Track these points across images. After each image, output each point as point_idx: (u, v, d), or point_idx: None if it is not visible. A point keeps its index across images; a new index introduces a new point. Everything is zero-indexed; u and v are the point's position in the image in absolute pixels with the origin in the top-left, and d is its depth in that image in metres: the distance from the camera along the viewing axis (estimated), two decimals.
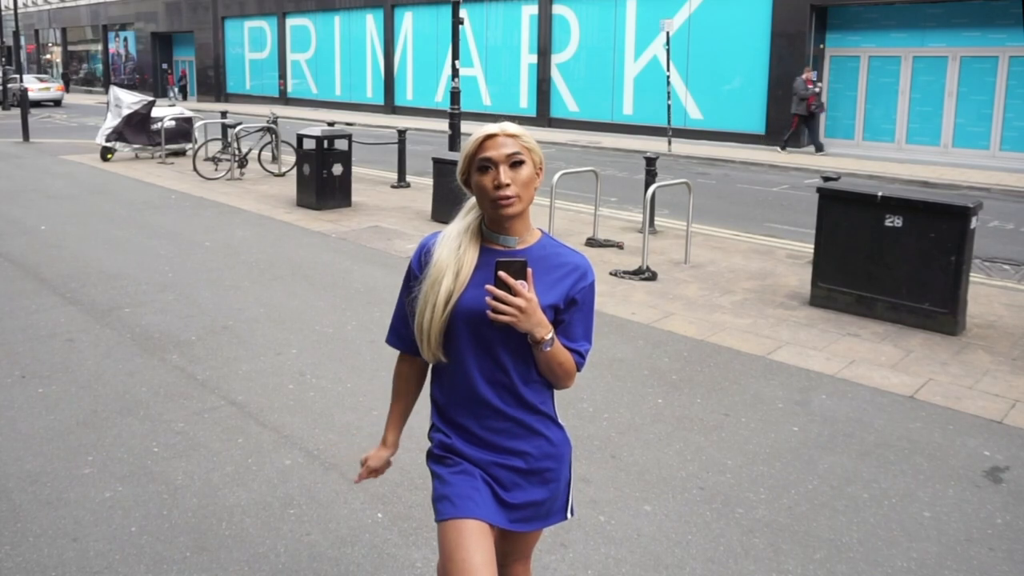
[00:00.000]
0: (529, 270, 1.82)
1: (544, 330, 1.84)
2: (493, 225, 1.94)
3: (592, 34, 22.84)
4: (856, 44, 18.68)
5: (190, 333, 5.61)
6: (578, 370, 1.99)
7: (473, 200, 1.98)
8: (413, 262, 2.01)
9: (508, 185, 1.85)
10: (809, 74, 17.51)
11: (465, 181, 1.96)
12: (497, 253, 1.92)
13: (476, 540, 1.87)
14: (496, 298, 1.79)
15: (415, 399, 2.17)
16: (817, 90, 17.50)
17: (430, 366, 2.07)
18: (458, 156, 1.93)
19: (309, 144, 10.89)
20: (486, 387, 1.95)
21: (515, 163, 1.87)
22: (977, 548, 3.22)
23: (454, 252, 1.92)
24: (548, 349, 1.87)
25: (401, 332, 2.07)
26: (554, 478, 2.03)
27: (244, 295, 6.54)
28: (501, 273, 1.79)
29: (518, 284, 1.79)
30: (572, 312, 1.95)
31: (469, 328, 1.91)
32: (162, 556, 3.08)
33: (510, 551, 2.16)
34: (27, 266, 7.42)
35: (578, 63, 23.31)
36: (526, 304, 1.79)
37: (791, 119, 17.84)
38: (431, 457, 2.06)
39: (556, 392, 2.07)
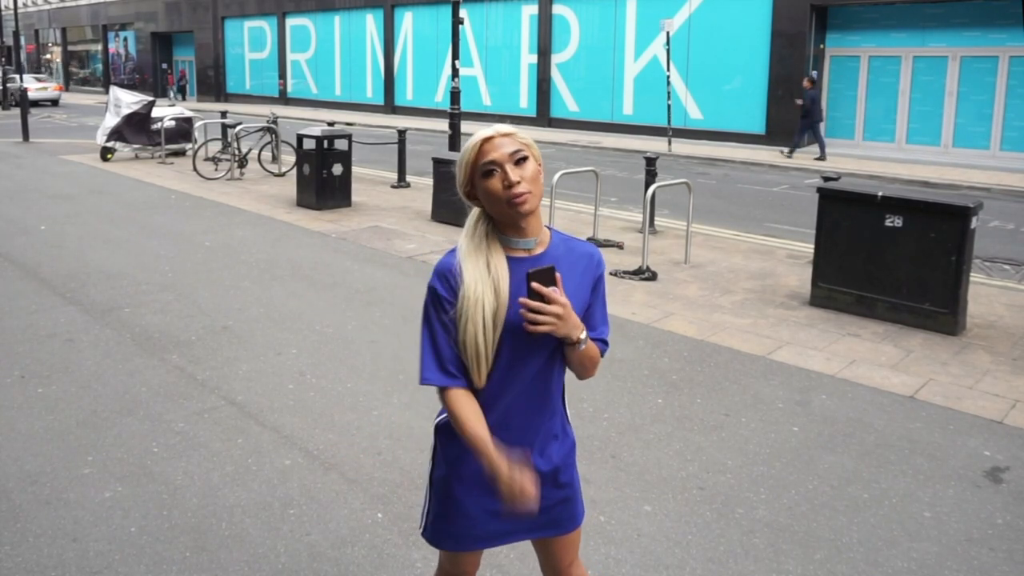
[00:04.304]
0: (558, 275, 1.80)
1: (579, 330, 1.84)
2: (509, 230, 1.87)
3: (592, 34, 22.84)
4: (856, 44, 18.69)
5: (190, 333, 5.60)
6: (602, 356, 1.99)
7: (477, 212, 1.89)
8: (439, 288, 1.86)
9: (519, 182, 1.79)
10: None
11: (468, 193, 1.88)
12: (520, 259, 1.87)
13: None
14: (532, 310, 1.77)
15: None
16: None
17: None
18: (459, 156, 1.87)
19: (309, 144, 10.88)
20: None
21: (519, 159, 1.82)
22: (977, 548, 3.21)
23: (484, 269, 1.84)
24: (583, 348, 1.87)
25: (444, 365, 1.85)
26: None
27: (244, 295, 6.54)
28: (535, 284, 1.77)
29: (551, 292, 1.78)
30: (592, 299, 1.96)
31: (511, 342, 1.87)
32: (162, 556, 3.08)
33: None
34: (27, 266, 7.42)
35: (578, 63, 23.30)
36: (562, 311, 1.78)
37: None
38: None
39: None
